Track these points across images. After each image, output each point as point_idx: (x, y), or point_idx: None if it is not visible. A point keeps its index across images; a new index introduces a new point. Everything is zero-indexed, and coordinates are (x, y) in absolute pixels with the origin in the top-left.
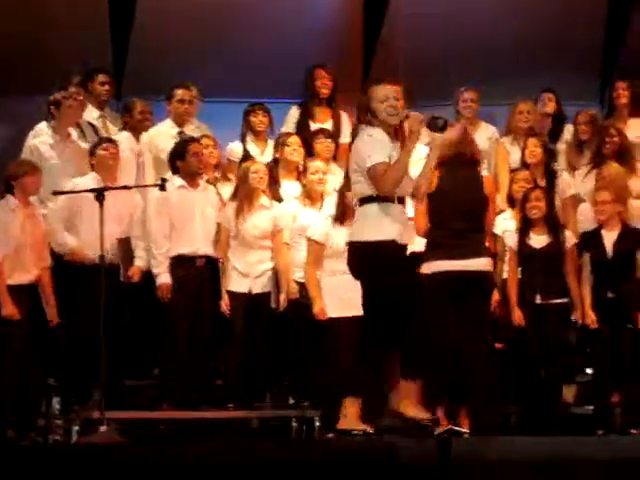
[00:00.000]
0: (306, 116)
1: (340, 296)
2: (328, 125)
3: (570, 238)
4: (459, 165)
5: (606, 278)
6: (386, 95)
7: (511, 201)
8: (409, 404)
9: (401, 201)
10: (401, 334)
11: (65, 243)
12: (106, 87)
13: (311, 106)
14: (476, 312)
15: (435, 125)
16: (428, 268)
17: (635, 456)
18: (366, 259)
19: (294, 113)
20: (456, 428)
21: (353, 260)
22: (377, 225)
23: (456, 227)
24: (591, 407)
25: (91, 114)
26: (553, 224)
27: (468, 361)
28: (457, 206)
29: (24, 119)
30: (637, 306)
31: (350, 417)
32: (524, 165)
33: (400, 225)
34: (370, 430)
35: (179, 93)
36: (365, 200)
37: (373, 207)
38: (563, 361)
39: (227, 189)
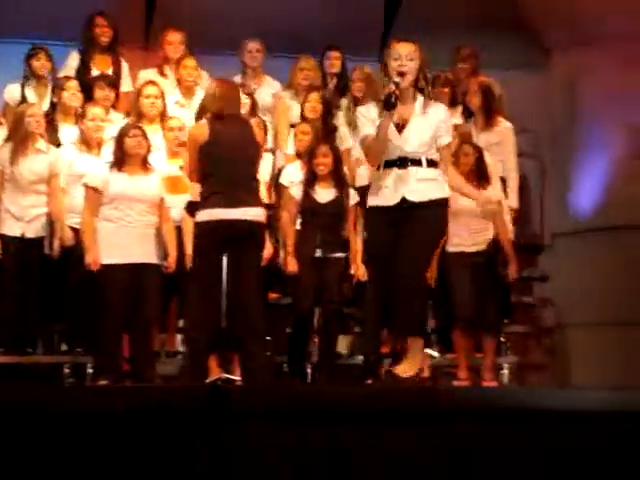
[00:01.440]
0: (86, 62)
1: (116, 243)
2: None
3: (354, 195)
4: (230, 116)
5: None
6: (399, 53)
7: (298, 154)
8: None
9: (391, 164)
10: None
11: None
12: None
13: (91, 53)
14: (249, 262)
15: (388, 104)
16: (202, 216)
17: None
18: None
19: (74, 58)
20: (228, 376)
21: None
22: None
23: (230, 176)
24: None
25: None
26: (339, 180)
27: (241, 310)
28: (230, 155)
29: None
30: None
31: None
32: (304, 119)
33: (385, 189)
34: None
35: None
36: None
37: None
38: (338, 312)
39: (1, 133)
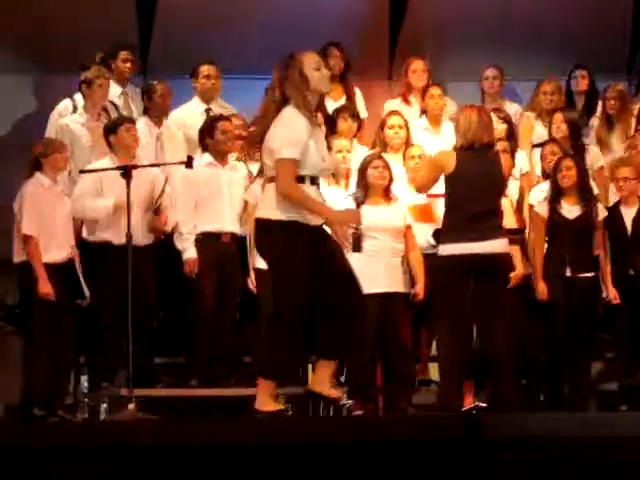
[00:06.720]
0: None
1: (364, 273)
2: (342, 102)
3: (602, 211)
4: (476, 149)
5: (626, 255)
6: (318, 63)
7: (545, 174)
8: (322, 382)
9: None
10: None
11: (106, 206)
12: (128, 64)
13: None
14: (494, 294)
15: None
16: (444, 251)
17: None
18: (269, 236)
19: None
20: (481, 404)
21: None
22: (284, 205)
23: (472, 210)
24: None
25: (113, 92)
26: (585, 195)
27: (488, 343)
28: (474, 189)
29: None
30: None
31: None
32: (551, 140)
33: None
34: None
35: (205, 69)
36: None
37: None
38: (591, 337)
39: (254, 168)
